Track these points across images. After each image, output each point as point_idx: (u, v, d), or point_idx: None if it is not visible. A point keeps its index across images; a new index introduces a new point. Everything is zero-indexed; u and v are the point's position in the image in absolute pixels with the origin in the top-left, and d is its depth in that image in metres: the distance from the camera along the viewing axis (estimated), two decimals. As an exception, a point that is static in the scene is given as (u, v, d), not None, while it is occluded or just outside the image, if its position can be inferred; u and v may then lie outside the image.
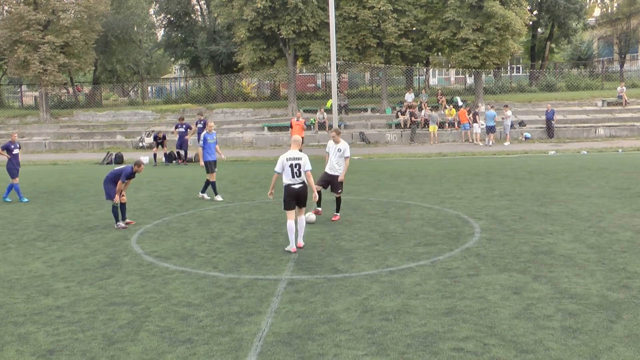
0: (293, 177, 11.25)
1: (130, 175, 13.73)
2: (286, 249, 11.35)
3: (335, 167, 14.00)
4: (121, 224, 13.87)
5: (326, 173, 14.08)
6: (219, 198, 17.07)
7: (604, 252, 10.64)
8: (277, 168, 11.35)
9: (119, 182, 13.58)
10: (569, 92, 44.21)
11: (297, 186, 11.28)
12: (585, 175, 19.75)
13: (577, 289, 8.68)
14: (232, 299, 8.65)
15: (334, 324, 7.60)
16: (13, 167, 18.08)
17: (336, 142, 14.06)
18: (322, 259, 10.69)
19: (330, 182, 13.99)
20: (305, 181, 11.38)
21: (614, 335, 7.07)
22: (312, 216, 13.48)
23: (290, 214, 11.26)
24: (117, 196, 13.60)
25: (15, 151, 18.33)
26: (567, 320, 7.55)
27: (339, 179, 13.95)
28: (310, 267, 10.21)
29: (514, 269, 9.73)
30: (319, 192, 13.41)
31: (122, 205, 14.03)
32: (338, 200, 14.10)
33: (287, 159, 11.25)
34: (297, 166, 11.24)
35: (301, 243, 11.46)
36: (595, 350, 6.68)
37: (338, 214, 14.11)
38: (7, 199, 18.21)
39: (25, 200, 18.10)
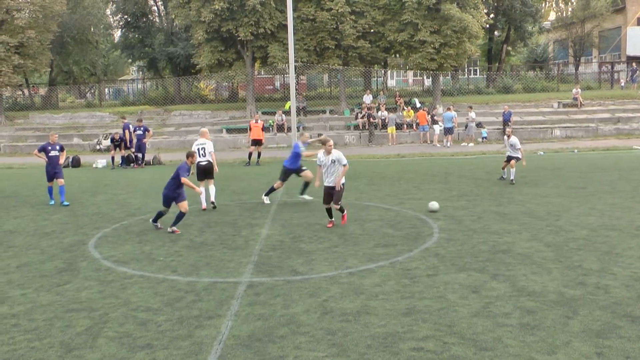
0: (200, 156, 15.77)
1: (187, 169, 13.37)
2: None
3: (334, 180, 13.21)
4: (174, 227, 13.29)
5: (327, 187, 13.30)
6: (307, 197, 16.63)
7: (561, 250, 10.86)
8: (193, 149, 15.54)
9: (182, 179, 13.06)
10: (525, 94, 44.93)
11: (203, 163, 15.93)
12: (542, 175, 20.08)
13: (535, 287, 8.84)
14: (192, 303, 8.57)
15: (294, 326, 7.59)
16: (50, 169, 17.55)
17: (328, 152, 13.24)
18: (282, 261, 10.67)
19: (332, 194, 13.24)
20: (210, 160, 16.03)
21: (570, 331, 7.23)
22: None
23: (201, 184, 15.89)
24: (196, 188, 13.88)
25: (53, 153, 17.62)
26: (525, 317, 7.68)
27: (337, 189, 13.12)
28: (270, 269, 10.17)
29: (473, 268, 9.85)
30: (330, 210, 13.44)
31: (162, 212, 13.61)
32: (341, 209, 13.54)
33: (196, 145, 16.08)
34: (203, 149, 15.95)
35: (213, 200, 15.90)
36: (552, 346, 6.82)
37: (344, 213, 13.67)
38: (51, 202, 17.67)
39: (52, 202, 17.55)
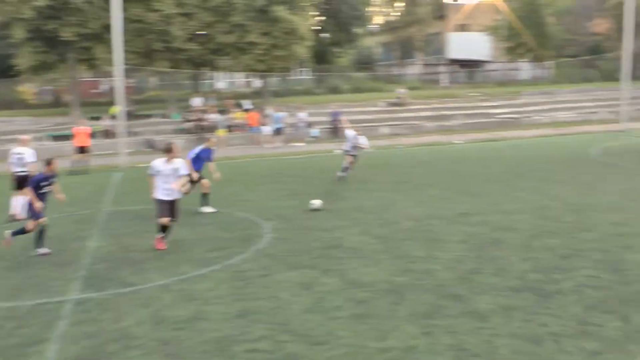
0: (16, 167, 15.28)
1: (41, 179, 11.64)
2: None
3: (174, 191, 11.62)
4: (46, 249, 11.67)
5: (165, 201, 11.54)
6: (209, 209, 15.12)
7: (389, 241, 11.38)
8: (11, 159, 15.51)
9: (28, 190, 11.45)
10: (353, 94, 46.50)
11: (20, 174, 15.09)
12: (370, 171, 20.79)
13: (365, 278, 9.18)
14: (12, 330, 7.89)
15: (126, 340, 7.31)
16: None
17: (170, 160, 11.61)
18: (111, 273, 10.21)
19: (171, 208, 11.63)
20: (28, 170, 14.95)
21: (399, 316, 7.64)
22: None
23: (19, 195, 14.66)
24: (36, 203, 11.33)
25: None
26: (356, 308, 7.97)
27: (184, 191, 11.97)
28: (99, 283, 9.69)
29: (305, 266, 10.03)
30: (165, 227, 11.67)
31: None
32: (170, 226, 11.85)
33: (13, 154, 15.48)
34: (20, 159, 15.30)
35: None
36: (382, 332, 7.16)
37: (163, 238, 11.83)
38: None
39: None
